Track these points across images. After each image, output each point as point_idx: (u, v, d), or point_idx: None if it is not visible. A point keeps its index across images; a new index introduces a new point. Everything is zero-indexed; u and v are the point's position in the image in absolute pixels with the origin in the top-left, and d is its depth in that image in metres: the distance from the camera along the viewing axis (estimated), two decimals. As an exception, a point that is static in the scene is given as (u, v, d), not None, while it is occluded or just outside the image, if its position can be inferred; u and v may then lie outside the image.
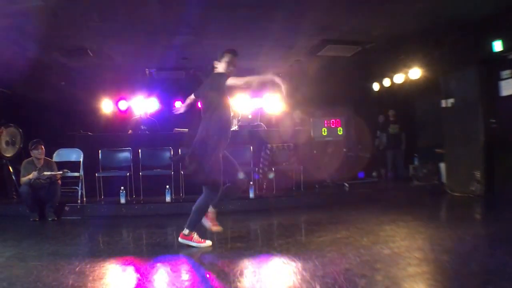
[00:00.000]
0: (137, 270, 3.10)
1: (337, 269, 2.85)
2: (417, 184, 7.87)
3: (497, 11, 5.96)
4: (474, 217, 5.57)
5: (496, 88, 6.41)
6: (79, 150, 6.64)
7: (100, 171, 6.62)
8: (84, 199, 6.38)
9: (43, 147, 5.88)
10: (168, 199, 6.20)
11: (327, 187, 7.50)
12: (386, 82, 9.12)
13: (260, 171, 7.11)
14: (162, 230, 4.97)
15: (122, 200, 6.08)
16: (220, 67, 3.86)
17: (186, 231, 3.75)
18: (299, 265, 3.02)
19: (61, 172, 5.95)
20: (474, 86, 6.68)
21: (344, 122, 7.50)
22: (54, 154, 6.52)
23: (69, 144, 6.91)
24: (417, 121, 9.27)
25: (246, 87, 3.99)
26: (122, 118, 9.48)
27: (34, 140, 5.89)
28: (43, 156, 5.91)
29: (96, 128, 8.69)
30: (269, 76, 3.77)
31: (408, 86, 8.57)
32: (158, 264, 3.26)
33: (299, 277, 2.73)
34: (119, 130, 8.64)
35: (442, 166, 7.57)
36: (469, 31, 6.55)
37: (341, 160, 7.65)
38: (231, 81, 3.70)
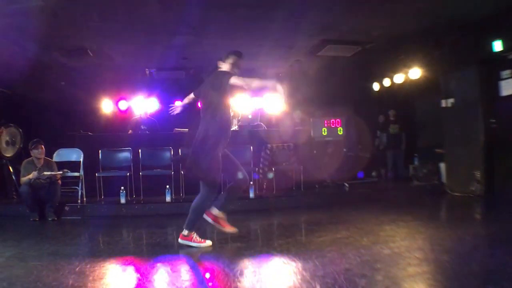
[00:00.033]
0: (137, 270, 3.10)
1: (337, 269, 2.84)
2: (417, 184, 7.87)
3: (497, 11, 5.96)
4: (474, 217, 5.57)
5: (496, 88, 6.41)
6: (79, 150, 6.65)
7: (100, 171, 6.62)
8: (84, 199, 6.38)
9: (43, 146, 5.88)
10: (168, 199, 6.20)
11: (327, 187, 7.50)
12: (386, 82, 9.12)
13: (260, 171, 7.11)
14: (162, 230, 4.97)
15: (122, 200, 6.08)
16: (224, 67, 3.87)
17: (185, 232, 3.75)
18: (299, 265, 3.02)
19: (61, 172, 5.95)
20: (474, 86, 6.68)
21: (344, 122, 7.50)
22: (54, 154, 6.52)
23: (69, 144, 6.91)
24: (417, 121, 9.26)
25: (247, 88, 3.99)
26: (122, 118, 9.47)
27: (34, 140, 5.89)
28: (43, 156, 5.91)
29: (96, 128, 8.69)
30: (271, 83, 3.78)
31: (408, 86, 8.57)
32: (158, 264, 3.26)
33: (299, 277, 2.73)
34: (119, 130, 8.64)
35: (442, 166, 7.57)
36: (469, 31, 6.54)
37: (341, 160, 7.65)
38: (234, 80, 3.69)
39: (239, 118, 7.90)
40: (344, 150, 7.80)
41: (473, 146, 6.64)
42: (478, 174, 6.54)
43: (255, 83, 3.73)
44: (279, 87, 3.65)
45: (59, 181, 5.91)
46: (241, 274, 2.87)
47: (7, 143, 7.10)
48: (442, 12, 6.00)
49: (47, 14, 5.36)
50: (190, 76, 8.71)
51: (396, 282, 2.55)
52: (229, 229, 3.89)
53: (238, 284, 2.64)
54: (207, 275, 2.95)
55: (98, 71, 8.34)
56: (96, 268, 3.06)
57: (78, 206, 6.07)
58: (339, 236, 4.02)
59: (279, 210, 6.05)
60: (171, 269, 3.10)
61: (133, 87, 9.35)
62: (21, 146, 7.19)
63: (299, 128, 8.09)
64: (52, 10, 5.28)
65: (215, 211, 3.84)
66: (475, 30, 6.51)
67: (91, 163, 6.60)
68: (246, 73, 3.83)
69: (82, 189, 6.38)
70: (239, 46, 4.39)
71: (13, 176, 6.94)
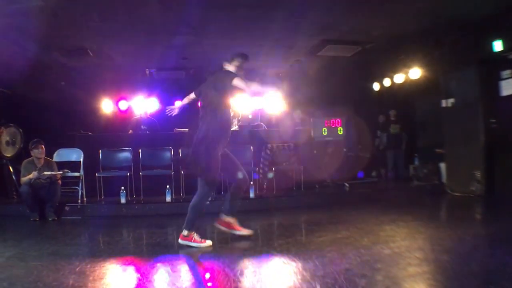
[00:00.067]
0: (137, 270, 3.10)
1: (337, 269, 2.84)
2: (417, 184, 7.87)
3: (497, 11, 5.96)
4: (474, 217, 5.57)
5: (496, 88, 6.41)
6: (79, 150, 6.65)
7: (100, 171, 6.61)
8: (84, 199, 6.38)
9: (43, 146, 5.88)
10: (168, 199, 6.20)
11: (327, 187, 7.49)
12: (386, 82, 9.12)
13: (260, 171, 7.11)
14: (162, 230, 4.97)
15: (122, 200, 6.08)
16: (230, 69, 3.88)
17: (185, 232, 3.75)
18: (299, 265, 3.02)
19: (61, 172, 5.95)
20: (474, 86, 6.68)
21: (344, 122, 7.50)
22: (54, 154, 6.52)
23: (69, 144, 6.91)
24: (417, 121, 9.27)
25: (247, 91, 4.01)
26: (122, 118, 9.48)
27: (34, 140, 5.89)
28: (43, 156, 5.90)
29: (96, 128, 8.70)
30: (270, 92, 3.86)
31: (408, 86, 8.57)
32: (158, 264, 3.26)
33: (299, 277, 2.72)
34: (119, 130, 8.65)
35: (442, 166, 7.57)
36: (469, 31, 6.55)
37: (341, 160, 7.65)
38: (236, 81, 3.70)
39: (239, 118, 7.89)
40: (344, 150, 7.80)
41: (473, 146, 6.64)
42: (478, 174, 6.54)
43: (257, 89, 3.78)
44: (277, 95, 3.73)
45: (59, 181, 5.91)
46: (241, 274, 2.87)
47: (7, 143, 7.10)
48: (442, 12, 6.00)
49: (47, 14, 5.36)
50: (190, 76, 8.71)
51: (396, 282, 2.55)
52: (245, 232, 3.94)
53: (238, 284, 2.63)
54: (207, 275, 2.95)
55: (98, 71, 8.35)
56: (96, 268, 3.06)
57: (78, 206, 6.07)
58: (339, 236, 4.02)
59: (279, 210, 6.05)
60: (171, 269, 3.10)
61: (133, 87, 9.35)
62: (21, 146, 7.20)
63: (299, 128, 8.09)
64: (52, 10, 5.28)
65: (225, 217, 3.88)
66: (475, 30, 6.51)
67: (91, 163, 6.60)
68: (246, 73, 3.84)
69: (82, 189, 6.38)
70: (239, 46, 4.40)
71: (13, 176, 6.94)
